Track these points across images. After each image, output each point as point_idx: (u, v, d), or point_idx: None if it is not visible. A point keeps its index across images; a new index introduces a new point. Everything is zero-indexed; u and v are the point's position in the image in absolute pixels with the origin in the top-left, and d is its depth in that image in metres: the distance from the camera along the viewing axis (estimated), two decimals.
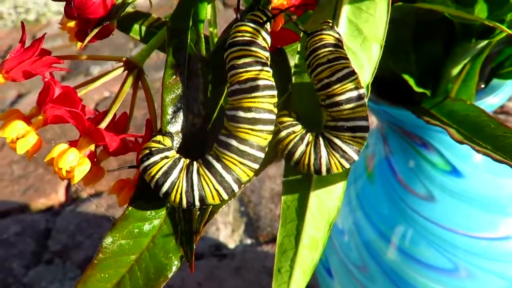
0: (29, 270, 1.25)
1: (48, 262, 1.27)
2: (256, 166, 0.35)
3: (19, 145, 0.35)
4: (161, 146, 0.35)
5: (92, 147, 0.37)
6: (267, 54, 0.35)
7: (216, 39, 0.47)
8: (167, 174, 0.34)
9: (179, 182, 0.34)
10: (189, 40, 0.36)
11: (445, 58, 0.57)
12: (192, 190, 0.34)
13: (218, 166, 0.34)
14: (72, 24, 0.42)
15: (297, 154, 0.36)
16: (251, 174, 0.35)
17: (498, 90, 0.60)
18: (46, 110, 0.35)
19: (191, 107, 0.36)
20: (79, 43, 0.36)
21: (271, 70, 0.35)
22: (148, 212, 0.36)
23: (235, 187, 0.35)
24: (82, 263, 1.25)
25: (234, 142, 0.34)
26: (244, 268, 1.18)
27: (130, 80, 0.38)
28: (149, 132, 0.39)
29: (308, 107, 0.38)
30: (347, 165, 0.36)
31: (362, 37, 0.38)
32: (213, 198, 0.35)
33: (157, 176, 0.34)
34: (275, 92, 0.35)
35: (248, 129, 0.34)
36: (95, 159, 0.38)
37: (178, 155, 0.36)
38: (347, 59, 0.36)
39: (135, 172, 0.40)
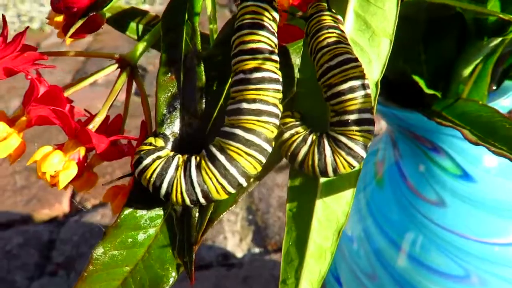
0: (33, 282, 1.23)
1: (52, 274, 1.25)
2: (263, 159, 0.33)
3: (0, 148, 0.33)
4: (152, 148, 0.33)
5: (82, 151, 0.34)
6: (276, 40, 0.34)
7: (216, 36, 0.45)
8: (162, 175, 0.32)
9: (177, 181, 0.32)
10: (184, 35, 0.34)
11: (456, 58, 0.55)
12: (193, 187, 0.32)
13: (221, 158, 0.32)
14: (59, 18, 0.40)
15: (301, 155, 0.34)
16: (258, 167, 0.33)
17: (510, 92, 0.59)
18: (29, 110, 0.33)
19: (188, 107, 0.34)
20: (68, 40, 0.34)
21: (278, 59, 0.33)
22: (143, 221, 0.34)
23: (241, 180, 0.33)
24: None
25: (239, 132, 0.32)
26: (253, 278, 1.17)
27: (123, 78, 0.36)
28: (144, 135, 0.37)
29: (314, 107, 0.37)
30: (354, 163, 0.34)
31: (370, 32, 0.36)
32: (218, 192, 0.33)
33: (152, 179, 0.32)
34: (280, 87, 0.33)
35: (254, 120, 0.32)
36: (86, 164, 0.36)
37: (172, 153, 0.34)
38: (348, 44, 0.34)
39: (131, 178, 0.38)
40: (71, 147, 0.33)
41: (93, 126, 0.34)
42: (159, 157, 0.33)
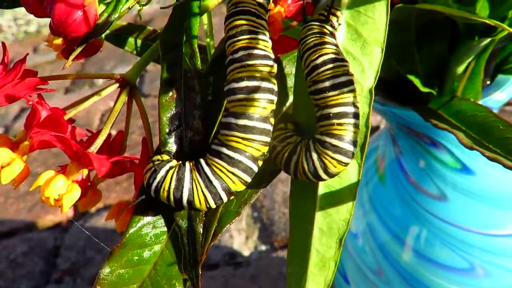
0: None
1: (58, 281, 1.25)
2: (248, 178, 0.34)
3: (4, 174, 0.33)
4: (160, 161, 0.34)
5: (85, 171, 0.35)
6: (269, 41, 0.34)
7: (213, 50, 0.46)
8: (179, 183, 0.33)
9: (196, 185, 0.33)
10: (183, 55, 0.34)
11: (449, 57, 0.56)
12: (214, 187, 0.33)
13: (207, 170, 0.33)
14: (58, 41, 0.40)
15: (292, 163, 0.35)
16: (241, 186, 0.34)
17: (504, 86, 0.59)
18: (32, 135, 0.33)
19: (190, 124, 0.34)
20: (68, 62, 0.34)
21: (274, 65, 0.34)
22: (148, 238, 0.34)
23: (222, 195, 0.34)
24: (93, 280, 1.23)
25: (225, 150, 0.33)
26: (261, 276, 1.17)
27: (122, 98, 0.36)
28: (145, 151, 0.38)
29: (310, 117, 0.37)
30: (344, 159, 0.34)
31: (362, 41, 0.37)
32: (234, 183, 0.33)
33: (172, 191, 0.33)
34: (275, 98, 0.34)
35: (240, 138, 0.33)
36: (90, 183, 0.36)
37: (180, 162, 0.34)
38: (335, 45, 0.35)
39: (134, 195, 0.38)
40: (74, 170, 0.34)
41: (95, 147, 0.35)
42: (171, 167, 0.33)
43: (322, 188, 0.36)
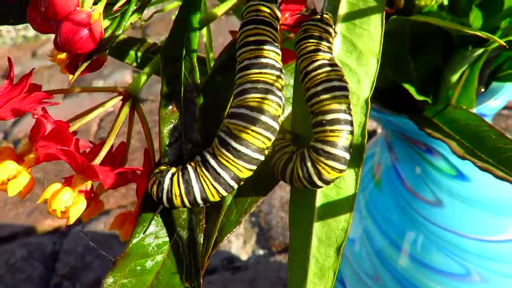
0: None
1: (57, 286, 1.26)
2: (253, 167, 0.34)
3: (10, 187, 0.34)
4: (161, 171, 0.34)
5: (89, 183, 0.36)
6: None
7: (212, 63, 0.47)
8: (188, 185, 0.33)
9: (205, 180, 0.33)
10: (183, 69, 0.35)
11: (444, 66, 0.57)
12: (222, 179, 0.34)
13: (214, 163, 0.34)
14: (62, 56, 0.41)
15: (288, 171, 0.35)
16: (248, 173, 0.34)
17: (499, 93, 0.60)
18: (37, 148, 0.34)
19: (189, 136, 0.35)
20: (71, 76, 0.35)
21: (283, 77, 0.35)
22: (150, 248, 0.35)
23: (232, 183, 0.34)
24: (92, 285, 1.24)
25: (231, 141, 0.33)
26: (259, 280, 1.17)
27: (125, 110, 0.37)
28: (147, 162, 0.38)
29: (308, 128, 0.37)
30: (338, 166, 0.34)
31: (357, 52, 0.37)
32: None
33: (184, 195, 0.33)
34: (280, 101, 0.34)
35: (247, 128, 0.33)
36: (93, 194, 0.37)
37: (180, 166, 0.35)
38: (327, 51, 0.35)
39: (136, 205, 0.39)
40: (79, 182, 0.35)
41: (99, 159, 0.36)
42: (173, 174, 0.34)
43: (320, 198, 0.37)
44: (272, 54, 0.34)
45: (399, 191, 0.67)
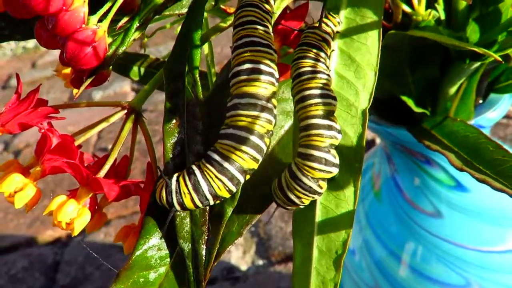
0: None
1: None
2: (233, 187, 0.34)
3: (17, 199, 0.35)
4: (164, 180, 0.35)
5: (93, 195, 0.36)
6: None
7: (214, 78, 0.47)
8: (195, 183, 0.34)
9: (210, 175, 0.34)
10: (186, 84, 0.35)
11: (441, 78, 0.57)
12: (228, 172, 0.34)
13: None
14: (67, 70, 0.42)
15: (280, 186, 0.36)
16: (226, 194, 0.34)
17: (497, 105, 0.60)
18: (44, 161, 0.34)
19: (193, 149, 0.36)
20: (75, 90, 0.36)
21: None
22: (153, 260, 0.35)
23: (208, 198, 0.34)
24: None
25: (216, 157, 0.34)
26: None
27: (128, 124, 0.38)
28: (150, 176, 0.39)
29: None
30: (319, 167, 0.34)
31: (355, 65, 0.38)
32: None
33: (194, 195, 0.34)
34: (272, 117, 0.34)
35: (232, 147, 0.34)
36: (97, 206, 0.38)
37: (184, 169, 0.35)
38: (315, 59, 0.36)
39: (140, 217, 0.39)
40: (84, 194, 0.35)
41: (103, 172, 0.36)
42: (178, 176, 0.34)
43: (320, 209, 0.37)
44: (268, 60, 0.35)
45: (398, 202, 0.67)
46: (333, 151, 0.34)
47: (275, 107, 0.34)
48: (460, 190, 0.64)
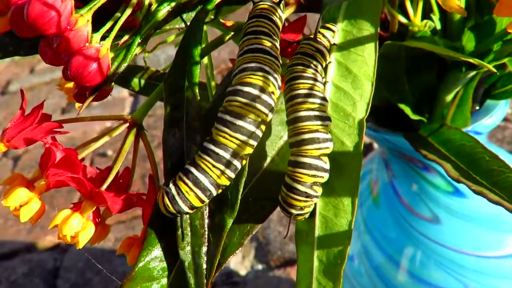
0: None
1: None
2: (205, 198, 0.35)
3: (22, 213, 0.35)
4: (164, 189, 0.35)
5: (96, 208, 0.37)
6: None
7: (214, 91, 0.48)
8: (195, 180, 0.34)
9: (208, 166, 0.34)
10: (186, 98, 0.36)
11: (438, 86, 0.57)
12: (224, 159, 0.34)
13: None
14: (70, 85, 0.42)
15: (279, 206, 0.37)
16: (198, 203, 0.35)
17: (493, 111, 0.61)
18: (48, 175, 0.35)
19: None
20: (82, 108, 0.36)
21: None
22: (156, 272, 0.36)
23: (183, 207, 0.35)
24: None
25: (192, 169, 0.34)
26: None
27: (130, 138, 0.39)
28: (152, 187, 0.40)
29: None
30: (307, 172, 0.35)
31: (352, 76, 0.39)
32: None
33: (198, 192, 0.34)
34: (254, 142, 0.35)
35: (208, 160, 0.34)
36: (99, 219, 0.38)
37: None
38: (306, 65, 0.37)
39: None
40: (88, 207, 0.36)
41: (106, 185, 0.37)
42: (175, 179, 0.35)
43: (319, 219, 0.38)
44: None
45: (397, 207, 0.68)
46: (324, 158, 0.35)
47: (274, 102, 0.35)
48: (458, 195, 0.64)
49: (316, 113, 0.35)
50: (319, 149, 0.35)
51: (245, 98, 0.34)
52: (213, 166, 0.34)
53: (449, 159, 0.48)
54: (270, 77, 0.34)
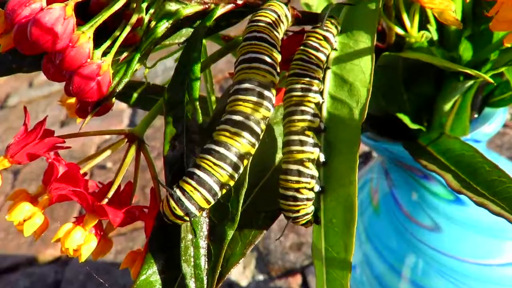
0: None
1: None
2: (211, 199, 0.35)
3: (26, 227, 0.36)
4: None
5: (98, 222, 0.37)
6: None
7: (214, 106, 0.48)
8: (199, 180, 0.34)
9: (209, 165, 0.34)
10: (186, 112, 0.36)
11: (436, 95, 0.58)
12: (224, 156, 0.35)
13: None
14: (72, 100, 0.43)
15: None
16: (205, 205, 0.35)
17: (491, 119, 0.61)
18: (51, 190, 0.36)
19: None
20: (85, 123, 0.37)
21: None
22: (157, 285, 0.36)
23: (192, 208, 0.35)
24: None
25: (197, 171, 0.34)
26: None
27: (132, 152, 0.39)
28: (154, 201, 0.40)
29: None
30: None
31: (348, 85, 0.39)
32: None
33: (204, 192, 0.34)
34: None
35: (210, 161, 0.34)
36: (102, 232, 0.39)
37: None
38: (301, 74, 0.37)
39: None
40: (90, 221, 0.36)
41: (107, 199, 0.37)
42: (178, 182, 0.35)
43: (322, 226, 0.38)
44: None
45: (397, 216, 0.68)
46: (308, 163, 0.36)
47: (273, 95, 0.36)
48: (458, 203, 0.64)
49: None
50: (302, 152, 0.36)
51: (247, 96, 0.35)
52: (215, 164, 0.34)
53: (449, 169, 0.48)
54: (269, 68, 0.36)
